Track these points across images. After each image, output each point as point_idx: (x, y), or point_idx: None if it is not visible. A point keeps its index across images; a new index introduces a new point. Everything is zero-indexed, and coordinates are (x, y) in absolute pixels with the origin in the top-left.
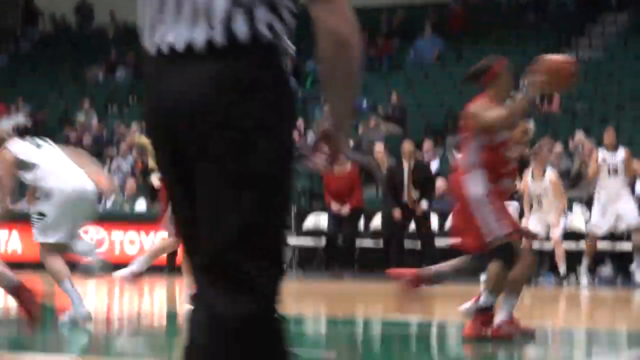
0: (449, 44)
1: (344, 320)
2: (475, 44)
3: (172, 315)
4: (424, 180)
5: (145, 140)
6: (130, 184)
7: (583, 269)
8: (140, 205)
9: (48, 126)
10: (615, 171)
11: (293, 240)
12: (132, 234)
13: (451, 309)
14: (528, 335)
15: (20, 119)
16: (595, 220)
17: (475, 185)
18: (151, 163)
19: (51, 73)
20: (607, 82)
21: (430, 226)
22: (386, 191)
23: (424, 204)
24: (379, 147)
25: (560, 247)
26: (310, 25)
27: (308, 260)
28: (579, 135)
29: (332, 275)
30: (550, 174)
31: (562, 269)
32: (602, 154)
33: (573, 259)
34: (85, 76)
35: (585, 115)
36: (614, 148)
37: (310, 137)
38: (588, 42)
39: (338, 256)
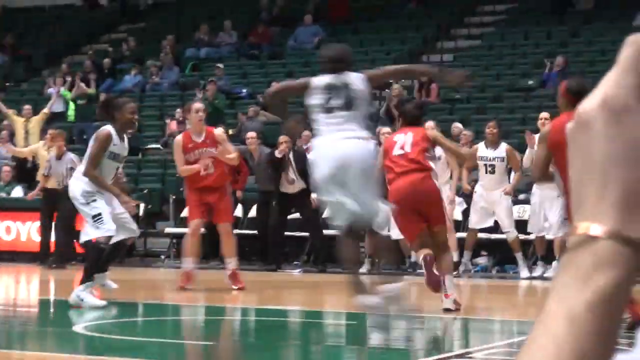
0: (329, 32)
1: (221, 309)
2: (355, 32)
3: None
4: (304, 168)
5: (15, 118)
6: (6, 170)
7: (464, 258)
8: (17, 192)
9: None
10: (493, 169)
11: (172, 229)
12: (8, 222)
13: (333, 298)
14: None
15: None
16: (472, 218)
17: None
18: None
19: None
20: (485, 73)
21: (312, 214)
22: (261, 179)
23: (311, 194)
24: (251, 135)
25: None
26: (187, 15)
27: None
28: (458, 126)
29: (211, 265)
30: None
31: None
32: (480, 150)
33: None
34: None
35: (463, 105)
36: (494, 144)
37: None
38: (467, 32)
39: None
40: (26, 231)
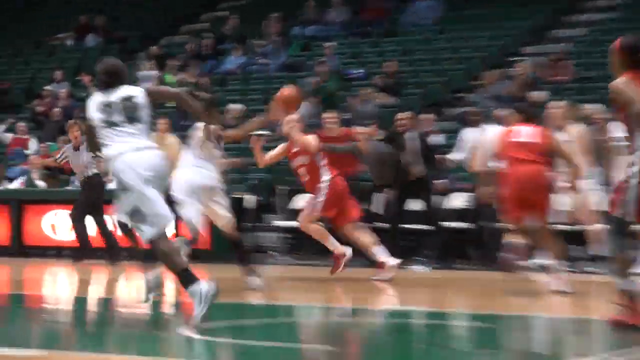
0: (448, 7)
1: (338, 310)
2: (477, 6)
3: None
4: (427, 152)
5: None
6: (101, 161)
7: None
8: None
9: (12, 98)
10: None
11: (282, 222)
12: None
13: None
14: None
15: None
16: None
17: None
18: None
19: (12, 38)
20: None
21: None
22: (373, 170)
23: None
24: (358, 130)
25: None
26: None
27: (297, 245)
28: (589, 108)
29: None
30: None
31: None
32: (613, 130)
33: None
34: (51, 43)
35: (598, 84)
36: None
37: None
38: (601, 3)
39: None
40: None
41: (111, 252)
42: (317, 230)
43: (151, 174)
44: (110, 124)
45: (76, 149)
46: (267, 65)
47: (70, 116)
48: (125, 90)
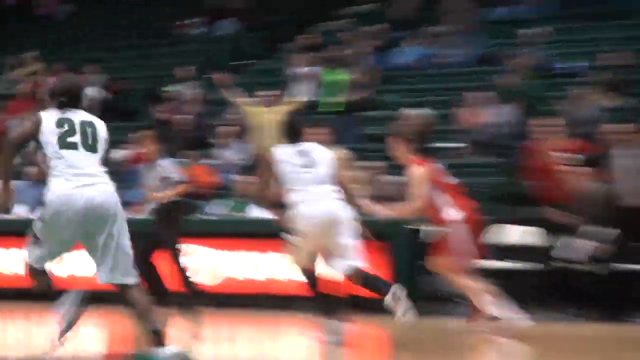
0: None
1: None
2: None
3: None
4: None
5: (250, 109)
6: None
7: None
8: (256, 211)
9: (130, 100)
10: None
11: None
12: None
13: None
14: None
15: (91, 91)
16: None
17: None
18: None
19: (125, 27)
20: None
21: None
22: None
23: None
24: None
25: None
26: None
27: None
28: None
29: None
30: None
31: None
32: None
33: None
34: (175, 32)
35: None
36: None
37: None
38: None
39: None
40: (277, 266)
41: (191, 295)
42: (468, 287)
43: (82, 220)
44: (66, 145)
45: (148, 164)
46: (451, 58)
47: (199, 124)
48: (86, 115)
